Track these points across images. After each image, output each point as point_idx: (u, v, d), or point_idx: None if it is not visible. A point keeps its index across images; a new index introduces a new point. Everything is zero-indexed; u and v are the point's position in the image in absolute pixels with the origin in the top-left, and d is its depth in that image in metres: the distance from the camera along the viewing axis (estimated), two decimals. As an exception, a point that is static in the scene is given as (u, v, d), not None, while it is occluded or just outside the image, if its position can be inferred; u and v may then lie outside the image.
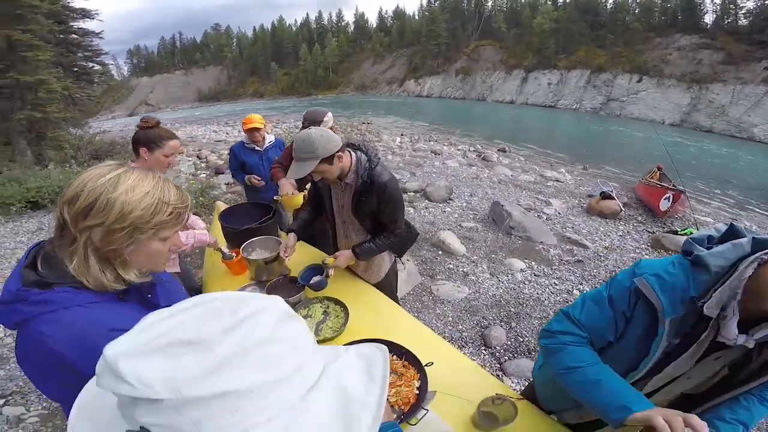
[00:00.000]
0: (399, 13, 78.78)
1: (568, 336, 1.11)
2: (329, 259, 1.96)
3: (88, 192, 0.74)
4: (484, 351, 2.91)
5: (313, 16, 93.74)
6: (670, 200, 6.07)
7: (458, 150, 12.69)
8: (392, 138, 14.74)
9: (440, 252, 4.49)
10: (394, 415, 1.16)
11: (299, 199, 2.46)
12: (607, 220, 6.14)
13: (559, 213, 6.29)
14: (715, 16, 44.48)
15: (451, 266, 4.17)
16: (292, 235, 2.04)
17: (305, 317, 1.72)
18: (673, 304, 0.93)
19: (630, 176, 10.35)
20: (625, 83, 39.01)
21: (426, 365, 1.36)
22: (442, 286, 3.67)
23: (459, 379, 1.36)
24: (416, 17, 74.21)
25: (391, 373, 1.36)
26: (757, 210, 9.21)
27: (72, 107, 12.24)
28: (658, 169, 9.14)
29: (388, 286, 2.18)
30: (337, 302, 1.81)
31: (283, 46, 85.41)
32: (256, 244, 2.21)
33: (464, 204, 6.38)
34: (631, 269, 1.04)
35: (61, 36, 13.04)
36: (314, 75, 75.28)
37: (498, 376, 2.68)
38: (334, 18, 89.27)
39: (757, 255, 0.84)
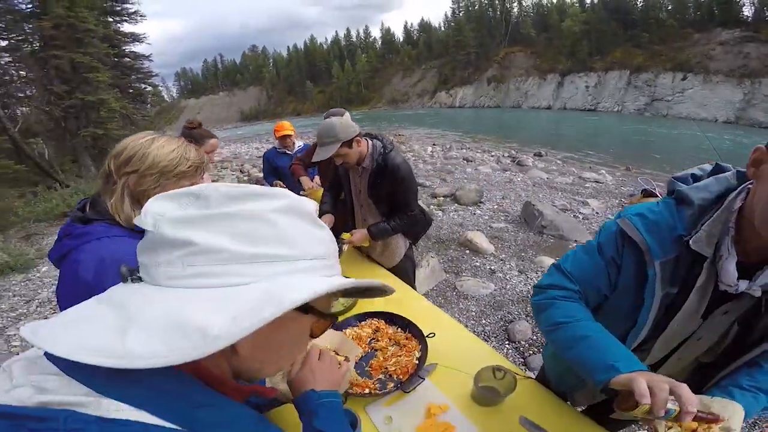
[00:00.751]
0: (425, 26, 79.32)
1: (559, 290, 1.01)
2: (345, 235, 2.03)
3: (130, 148, 0.94)
4: (507, 345, 2.82)
5: (341, 34, 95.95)
6: None
7: (492, 156, 12.48)
8: (423, 148, 14.77)
9: (467, 251, 4.42)
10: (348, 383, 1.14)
11: (320, 193, 2.55)
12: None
13: (596, 212, 6.02)
14: (753, 8, 41.80)
15: (478, 264, 4.09)
16: (328, 216, 2.16)
17: None
18: (661, 244, 0.85)
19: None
20: (669, 82, 37.09)
21: (428, 336, 1.35)
22: (466, 282, 3.60)
23: (462, 354, 1.33)
24: (442, 28, 74.50)
25: (393, 344, 1.37)
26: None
27: (129, 126, 13.30)
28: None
29: (403, 272, 2.20)
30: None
31: (316, 65, 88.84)
32: None
33: (495, 206, 6.26)
34: (618, 214, 0.96)
35: (116, 59, 14.14)
36: (347, 91, 77.44)
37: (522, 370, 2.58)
38: (362, 34, 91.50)
39: (744, 185, 0.77)
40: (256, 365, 0.48)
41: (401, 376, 1.22)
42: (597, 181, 8.50)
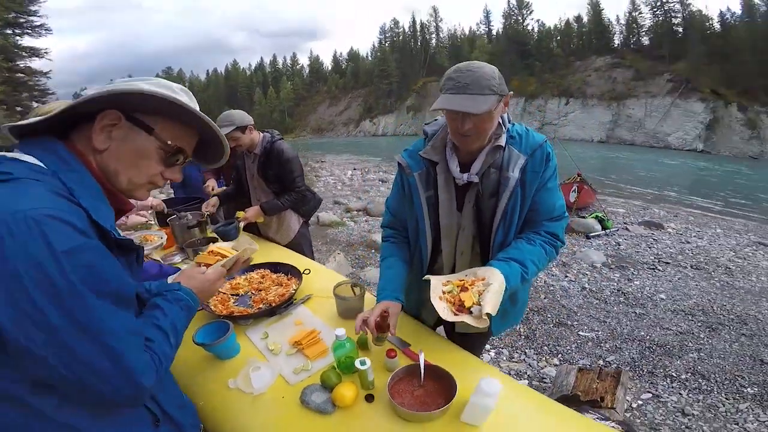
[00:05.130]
0: (353, 55, 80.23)
1: (388, 228, 1.45)
2: (240, 213, 2.38)
3: None
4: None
5: (267, 60, 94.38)
6: (577, 192, 7.05)
7: (407, 176, 13.54)
8: (344, 172, 15.43)
9: (373, 250, 5.01)
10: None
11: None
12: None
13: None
14: (622, 36, 49.50)
15: (381, 259, 4.69)
16: (214, 198, 2.55)
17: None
18: (416, 163, 1.25)
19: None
20: (555, 107, 42.60)
21: (303, 272, 1.79)
22: (369, 272, 4.16)
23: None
24: (369, 58, 76.01)
25: (277, 285, 1.73)
26: (666, 199, 10.58)
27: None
28: (579, 175, 10.40)
29: (299, 248, 2.48)
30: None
31: (237, 90, 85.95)
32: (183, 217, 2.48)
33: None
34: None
35: (7, 74, 12.87)
36: (269, 119, 75.97)
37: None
38: (288, 62, 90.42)
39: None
40: (112, 168, 0.71)
41: (275, 303, 1.56)
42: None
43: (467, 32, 65.97)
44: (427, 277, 1.14)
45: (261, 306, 1.57)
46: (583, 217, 6.37)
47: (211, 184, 2.96)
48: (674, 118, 33.21)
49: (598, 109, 38.97)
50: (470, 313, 1.02)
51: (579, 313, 3.50)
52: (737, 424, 2.32)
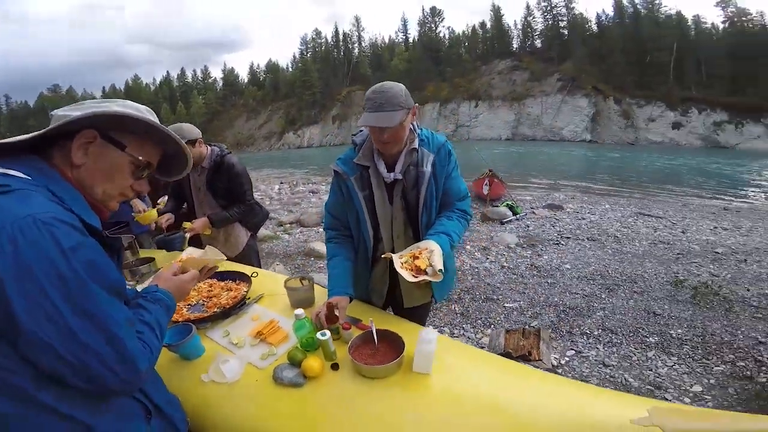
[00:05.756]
0: (272, 66, 77.62)
1: (330, 230, 1.67)
2: (186, 224, 2.34)
3: None
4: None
5: (174, 74, 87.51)
6: (488, 185, 7.83)
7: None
8: (270, 187, 15.06)
9: (312, 258, 5.10)
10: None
11: (153, 213, 2.81)
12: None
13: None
14: (519, 40, 55.02)
15: (321, 265, 4.80)
16: (168, 215, 2.51)
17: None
18: (351, 169, 1.48)
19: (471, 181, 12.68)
20: (467, 110, 45.92)
21: (252, 275, 1.89)
22: (310, 279, 4.25)
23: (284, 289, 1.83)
24: (290, 69, 73.98)
25: (226, 290, 1.80)
26: (564, 185, 12.05)
27: None
28: (490, 171, 11.34)
29: (247, 261, 2.47)
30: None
31: None
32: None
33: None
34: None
35: None
36: (179, 136, 70.40)
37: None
38: (199, 75, 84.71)
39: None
40: (88, 181, 0.80)
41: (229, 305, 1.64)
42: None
43: (387, 41, 67.94)
44: (386, 254, 1.37)
45: (216, 309, 1.63)
46: (497, 206, 7.14)
47: (138, 205, 2.86)
48: (565, 114, 37.92)
49: (503, 110, 42.84)
50: (426, 273, 1.27)
51: (502, 288, 3.96)
52: (651, 370, 2.64)
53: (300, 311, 1.30)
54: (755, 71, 36.58)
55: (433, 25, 59.99)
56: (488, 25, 56.90)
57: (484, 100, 45.56)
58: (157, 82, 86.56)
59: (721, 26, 44.68)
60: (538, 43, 52.96)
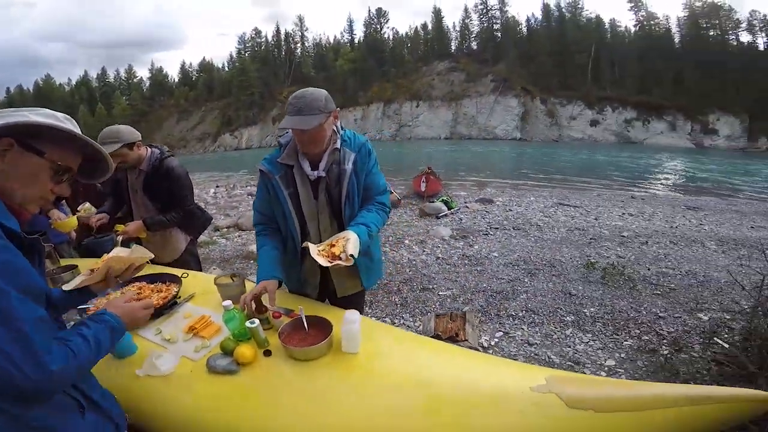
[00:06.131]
0: (206, 66, 73.81)
1: (258, 226, 1.76)
2: (119, 226, 2.25)
3: None
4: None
5: (94, 73, 79.25)
6: (425, 182, 8.25)
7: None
8: (205, 191, 14.40)
9: (251, 261, 5.05)
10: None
11: (73, 221, 2.67)
12: (392, 209, 7.84)
13: (356, 212, 7.68)
14: (457, 42, 57.38)
15: (262, 268, 4.77)
16: (103, 214, 2.41)
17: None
18: (275, 168, 1.59)
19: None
20: (409, 110, 47.15)
21: (182, 276, 1.92)
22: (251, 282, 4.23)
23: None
24: (227, 69, 70.84)
25: (156, 292, 1.81)
26: (496, 180, 12.90)
27: None
28: (429, 168, 11.80)
29: (187, 267, 2.40)
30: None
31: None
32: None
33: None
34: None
35: None
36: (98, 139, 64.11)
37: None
38: (123, 75, 77.51)
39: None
40: (7, 186, 0.82)
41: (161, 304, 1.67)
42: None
43: (332, 41, 67.29)
44: (305, 244, 1.49)
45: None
46: (433, 202, 7.55)
47: (55, 215, 2.70)
48: (498, 113, 40.39)
49: (442, 110, 44.53)
50: (340, 259, 1.38)
51: (437, 278, 4.24)
52: (569, 347, 2.84)
53: (228, 302, 1.37)
54: (660, 72, 41.68)
55: (378, 26, 60.65)
56: (429, 27, 58.68)
57: (424, 101, 47.07)
58: (73, 82, 78.05)
59: (633, 29, 50.04)
60: (474, 45, 55.70)
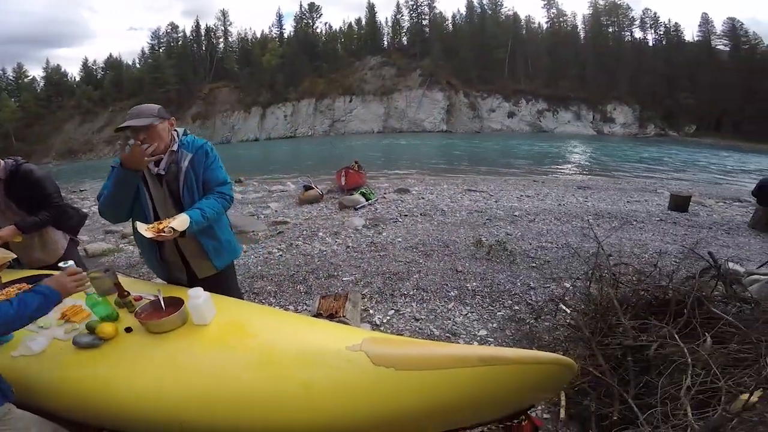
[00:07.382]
0: (113, 63, 67.64)
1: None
2: None
3: None
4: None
5: None
6: (345, 176, 8.60)
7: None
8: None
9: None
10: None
11: None
12: (313, 204, 8.06)
13: (276, 210, 7.78)
14: (388, 37, 58.48)
15: (171, 271, 4.78)
16: None
17: None
18: None
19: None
20: (342, 105, 47.24)
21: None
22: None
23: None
24: (138, 65, 65.89)
25: None
26: (416, 172, 13.63)
27: None
28: (355, 162, 11.97)
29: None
30: None
31: None
32: None
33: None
34: None
35: None
36: (-21, 145, 55.32)
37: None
38: (10, 74, 67.63)
39: None
40: None
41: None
42: (283, 190, 10.66)
43: (259, 36, 64.84)
44: (136, 223, 1.72)
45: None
46: (352, 195, 7.90)
47: None
48: (425, 107, 42.01)
49: (374, 104, 45.18)
50: (164, 232, 1.62)
51: (343, 265, 4.52)
52: (449, 319, 3.03)
53: (65, 263, 1.54)
54: (566, 66, 46.05)
55: (310, 21, 59.62)
56: (363, 22, 58.90)
57: (357, 95, 47.39)
58: (-54, 82, 66.33)
59: (545, 26, 54.55)
60: (405, 40, 56.97)
